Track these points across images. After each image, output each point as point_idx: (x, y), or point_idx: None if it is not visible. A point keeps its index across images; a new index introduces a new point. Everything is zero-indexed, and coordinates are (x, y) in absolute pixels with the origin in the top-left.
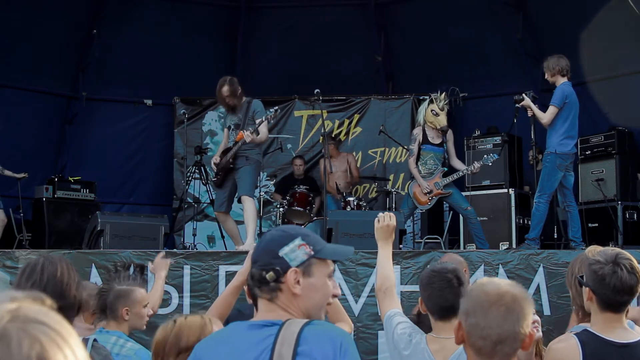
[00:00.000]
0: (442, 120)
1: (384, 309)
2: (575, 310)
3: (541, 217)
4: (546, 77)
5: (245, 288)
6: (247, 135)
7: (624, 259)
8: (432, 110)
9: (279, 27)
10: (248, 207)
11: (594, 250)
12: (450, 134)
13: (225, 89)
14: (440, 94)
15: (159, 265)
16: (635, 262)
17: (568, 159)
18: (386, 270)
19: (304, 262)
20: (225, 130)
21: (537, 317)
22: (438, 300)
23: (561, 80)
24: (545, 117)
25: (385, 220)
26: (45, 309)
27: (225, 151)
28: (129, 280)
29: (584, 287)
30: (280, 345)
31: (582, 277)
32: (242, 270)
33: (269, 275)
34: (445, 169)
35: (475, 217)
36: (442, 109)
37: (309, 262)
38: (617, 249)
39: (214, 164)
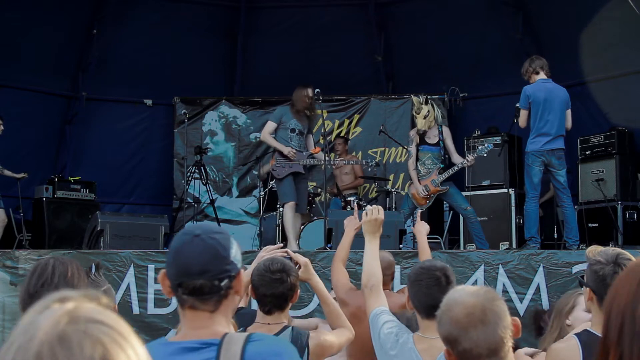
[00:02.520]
0: (420, 122)
1: (370, 306)
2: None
3: (529, 215)
4: (531, 82)
5: (250, 287)
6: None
7: (624, 259)
8: (415, 112)
9: (279, 27)
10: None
11: (595, 251)
12: (447, 132)
13: (311, 91)
14: (421, 97)
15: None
16: None
17: (542, 156)
18: (373, 267)
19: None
20: (274, 125)
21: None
22: (425, 299)
23: (536, 78)
24: (519, 121)
25: (374, 213)
26: (102, 308)
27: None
28: (92, 282)
29: (584, 287)
30: None
31: (582, 277)
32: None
33: (225, 283)
34: (442, 165)
35: (475, 217)
36: (417, 112)
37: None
38: (618, 249)
39: (291, 154)
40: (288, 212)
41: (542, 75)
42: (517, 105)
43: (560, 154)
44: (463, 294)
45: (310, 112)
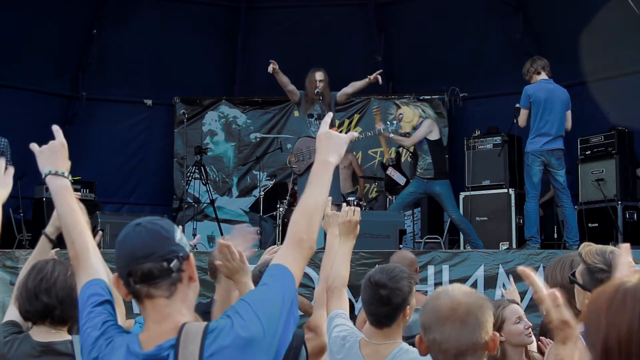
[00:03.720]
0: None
1: (329, 308)
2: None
3: (529, 215)
4: (532, 82)
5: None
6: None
7: None
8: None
9: (279, 27)
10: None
11: (590, 252)
12: (426, 124)
13: (320, 74)
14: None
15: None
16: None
17: (541, 155)
18: (341, 269)
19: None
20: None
21: (529, 323)
22: (368, 310)
23: (537, 78)
24: (519, 121)
25: (349, 215)
26: None
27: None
28: None
29: (582, 289)
30: None
31: (573, 274)
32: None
33: (174, 264)
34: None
35: (462, 221)
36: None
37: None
38: (612, 248)
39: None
40: None
41: (543, 76)
42: (517, 105)
43: (559, 154)
44: (456, 290)
45: (321, 96)
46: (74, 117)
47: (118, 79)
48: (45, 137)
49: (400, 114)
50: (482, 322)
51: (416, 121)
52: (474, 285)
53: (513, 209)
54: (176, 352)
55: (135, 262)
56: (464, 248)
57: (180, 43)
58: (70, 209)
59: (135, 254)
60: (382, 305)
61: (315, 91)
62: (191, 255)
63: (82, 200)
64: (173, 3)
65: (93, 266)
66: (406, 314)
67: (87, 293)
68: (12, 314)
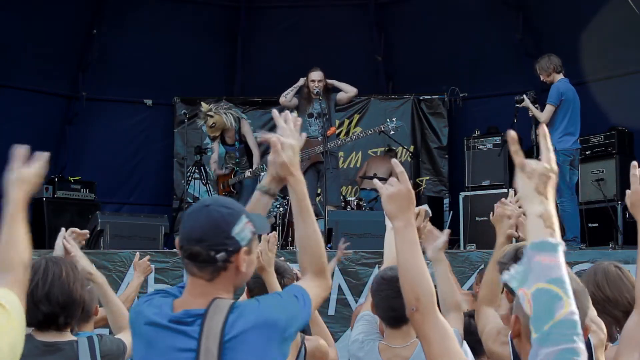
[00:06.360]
0: (208, 131)
1: (363, 308)
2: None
3: (569, 216)
4: (542, 79)
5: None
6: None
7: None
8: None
9: (279, 27)
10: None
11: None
12: (246, 128)
13: (319, 74)
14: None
15: (142, 268)
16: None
17: (571, 155)
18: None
19: (250, 241)
20: (296, 99)
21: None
22: (386, 309)
23: (558, 77)
24: (542, 116)
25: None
26: None
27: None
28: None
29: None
30: (206, 338)
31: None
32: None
33: (220, 255)
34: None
35: None
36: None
37: (252, 239)
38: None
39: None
40: None
41: (562, 75)
42: (518, 105)
43: (579, 155)
44: None
45: (320, 96)
46: (74, 117)
47: (118, 79)
48: (45, 137)
49: (213, 123)
50: (585, 307)
51: (217, 132)
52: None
53: None
54: (203, 321)
55: (188, 242)
56: (464, 248)
57: (180, 43)
58: None
59: (190, 235)
60: (402, 297)
61: (315, 91)
62: (244, 249)
63: (82, 200)
64: (173, 3)
65: None
66: None
67: None
68: None
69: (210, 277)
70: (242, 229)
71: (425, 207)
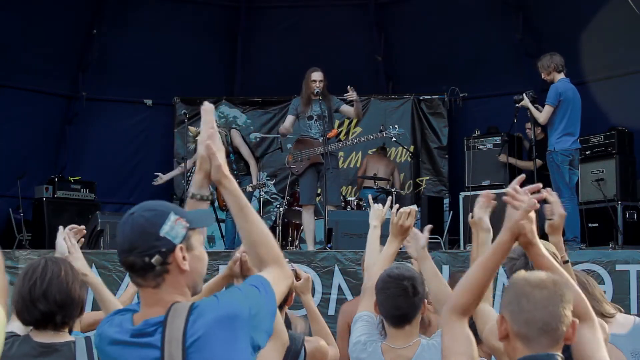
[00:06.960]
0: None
1: (360, 307)
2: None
3: (568, 216)
4: (543, 77)
5: None
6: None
7: None
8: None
9: (279, 27)
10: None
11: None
12: (236, 136)
13: (318, 74)
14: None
15: None
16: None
17: (570, 155)
18: (379, 269)
19: (184, 237)
20: (292, 117)
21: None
22: (391, 308)
23: (559, 77)
24: (541, 116)
25: (402, 219)
26: None
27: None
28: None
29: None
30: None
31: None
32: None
33: (155, 259)
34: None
35: None
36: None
37: (187, 235)
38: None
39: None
40: (304, 214)
41: (563, 75)
42: (518, 105)
43: (578, 155)
44: (540, 272)
45: (320, 96)
46: (74, 117)
47: (118, 79)
48: (45, 137)
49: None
50: (567, 299)
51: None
52: None
53: None
54: (164, 327)
55: (121, 254)
56: (464, 248)
57: (180, 43)
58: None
59: (122, 246)
60: (408, 296)
61: (315, 92)
62: (179, 247)
63: (82, 200)
64: (173, 3)
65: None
66: (425, 306)
67: None
68: (15, 325)
69: (155, 283)
70: (172, 227)
71: (414, 207)
